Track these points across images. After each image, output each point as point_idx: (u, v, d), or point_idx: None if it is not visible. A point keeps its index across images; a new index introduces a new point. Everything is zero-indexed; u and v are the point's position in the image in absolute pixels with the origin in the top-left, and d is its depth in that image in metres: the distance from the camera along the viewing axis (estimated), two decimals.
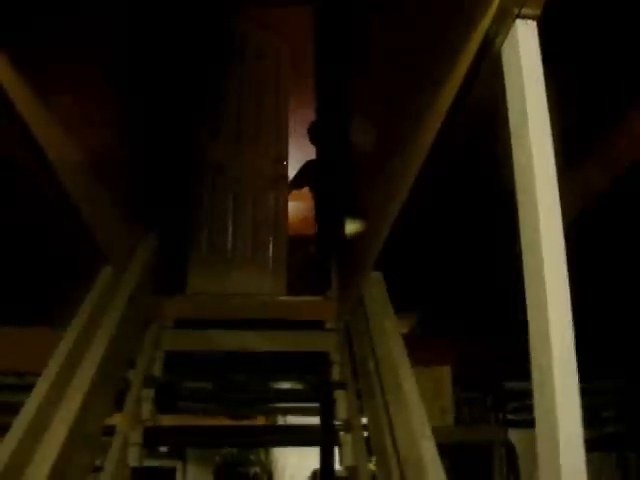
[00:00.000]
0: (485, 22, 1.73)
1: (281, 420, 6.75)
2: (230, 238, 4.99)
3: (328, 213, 4.30)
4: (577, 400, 1.40)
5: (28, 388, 2.58)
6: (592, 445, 1.43)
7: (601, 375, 5.30)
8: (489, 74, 1.82)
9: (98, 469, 2.90)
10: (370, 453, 3.12)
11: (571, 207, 1.57)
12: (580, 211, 2.87)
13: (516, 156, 1.63)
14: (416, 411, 2.38)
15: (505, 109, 1.68)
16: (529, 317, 1.54)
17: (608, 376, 5.50)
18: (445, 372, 4.13)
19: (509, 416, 5.51)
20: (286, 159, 5.27)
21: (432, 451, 2.19)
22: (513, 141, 1.65)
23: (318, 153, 5.12)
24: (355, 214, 3.85)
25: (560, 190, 1.54)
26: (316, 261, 4.49)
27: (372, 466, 3.11)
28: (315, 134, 5.18)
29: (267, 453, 7.82)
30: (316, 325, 4.08)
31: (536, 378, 1.49)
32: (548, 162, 1.54)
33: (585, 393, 1.42)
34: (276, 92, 5.48)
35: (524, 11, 1.63)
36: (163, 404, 3.65)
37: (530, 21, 1.65)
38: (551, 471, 1.38)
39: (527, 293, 1.55)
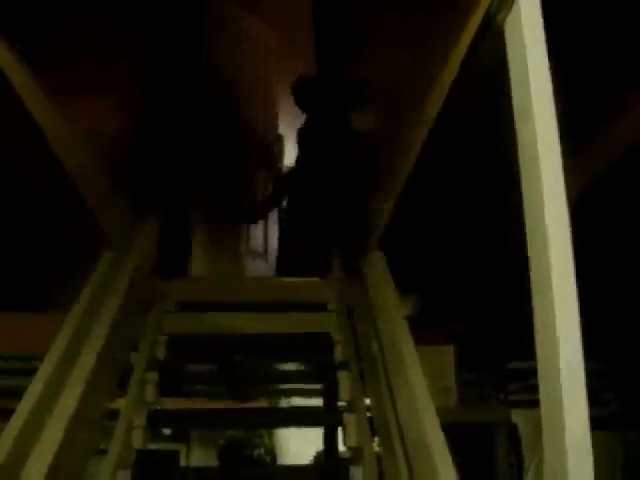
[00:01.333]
0: None
1: (284, 402, 6.76)
2: None
3: (328, 193, 4.26)
4: (582, 381, 1.39)
5: (32, 372, 2.58)
6: (594, 424, 1.42)
7: (602, 356, 5.32)
8: (492, 49, 1.81)
9: (103, 452, 2.90)
10: (374, 434, 3.12)
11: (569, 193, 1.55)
12: (577, 197, 2.86)
13: (520, 132, 1.62)
14: (419, 391, 2.38)
15: (508, 84, 1.66)
16: (534, 299, 1.53)
17: (609, 357, 5.52)
18: (448, 352, 4.13)
19: (511, 397, 5.52)
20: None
21: (436, 430, 2.19)
22: (516, 116, 1.64)
23: (307, 120, 4.76)
24: (357, 193, 3.84)
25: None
26: (318, 242, 4.47)
27: (376, 447, 3.11)
28: (304, 91, 4.70)
29: (271, 435, 7.83)
30: (319, 307, 4.07)
31: (541, 359, 1.48)
32: (552, 137, 1.52)
33: (588, 373, 1.41)
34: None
35: None
36: (167, 387, 3.65)
37: None
38: (556, 451, 1.37)
39: (532, 273, 1.54)
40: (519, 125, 1.62)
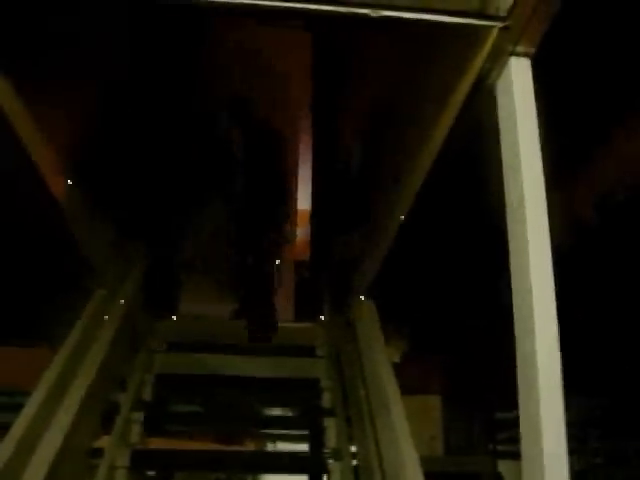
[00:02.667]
0: (480, 58, 1.77)
1: (270, 447, 6.70)
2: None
3: (323, 242, 4.30)
4: (563, 432, 1.41)
5: (18, 408, 2.58)
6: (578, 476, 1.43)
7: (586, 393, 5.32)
8: (483, 110, 1.85)
9: None
10: None
11: (559, 230, 1.59)
12: (567, 233, 2.91)
13: (508, 191, 1.66)
14: (404, 440, 2.38)
15: (498, 145, 1.71)
16: (517, 345, 1.56)
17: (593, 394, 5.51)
18: (435, 401, 4.13)
19: (499, 447, 5.50)
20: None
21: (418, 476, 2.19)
22: (505, 175, 1.68)
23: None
24: (349, 242, 3.87)
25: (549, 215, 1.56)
26: (308, 287, 4.49)
27: None
28: None
29: (256, 479, 7.75)
30: (307, 351, 4.08)
31: (522, 408, 1.50)
32: (539, 197, 1.56)
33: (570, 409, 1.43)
34: None
35: (518, 49, 1.66)
36: (152, 426, 3.63)
37: (524, 59, 1.68)
38: None
39: (515, 319, 1.56)
40: (507, 183, 1.66)
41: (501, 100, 1.72)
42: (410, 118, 2.54)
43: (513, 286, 1.59)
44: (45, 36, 2.39)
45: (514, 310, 1.59)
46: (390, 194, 2.89)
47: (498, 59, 1.70)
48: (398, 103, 2.70)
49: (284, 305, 4.76)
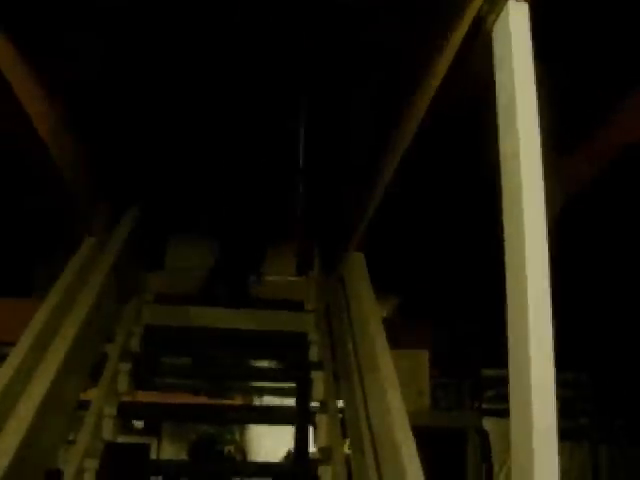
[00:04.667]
0: (477, 1, 1.72)
1: (258, 401, 6.75)
2: None
3: (310, 193, 4.26)
4: (552, 389, 1.39)
5: (2, 358, 2.56)
6: (564, 435, 1.42)
7: (574, 367, 5.35)
8: (480, 54, 1.81)
9: (72, 442, 2.88)
10: (345, 435, 3.12)
11: (557, 197, 1.56)
12: (566, 201, 2.88)
13: (503, 137, 1.62)
14: (392, 393, 2.37)
15: (495, 89, 1.67)
16: (508, 305, 1.53)
17: (581, 368, 5.55)
18: (423, 356, 4.13)
19: (485, 405, 5.54)
20: None
21: (406, 432, 2.18)
22: (500, 121, 1.64)
23: None
24: (339, 194, 3.83)
25: (546, 180, 1.52)
26: (298, 240, 4.47)
27: (346, 448, 3.11)
28: None
29: (243, 433, 7.84)
30: (296, 305, 4.08)
31: (513, 367, 1.48)
32: (534, 144, 1.52)
33: (559, 384, 1.41)
34: None
35: None
36: (140, 380, 3.63)
37: (522, 2, 1.63)
38: (524, 457, 1.37)
39: (507, 281, 1.53)
40: (502, 128, 1.62)
41: (497, 44, 1.67)
42: (404, 65, 2.49)
43: (505, 240, 1.55)
44: None
45: (506, 264, 1.56)
46: (383, 145, 2.85)
47: (496, 2, 1.65)
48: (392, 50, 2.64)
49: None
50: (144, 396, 4.10)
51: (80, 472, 2.74)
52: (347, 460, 2.98)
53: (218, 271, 4.24)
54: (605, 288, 4.35)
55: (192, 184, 4.18)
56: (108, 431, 3.12)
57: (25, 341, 2.61)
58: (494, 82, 1.69)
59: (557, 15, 2.00)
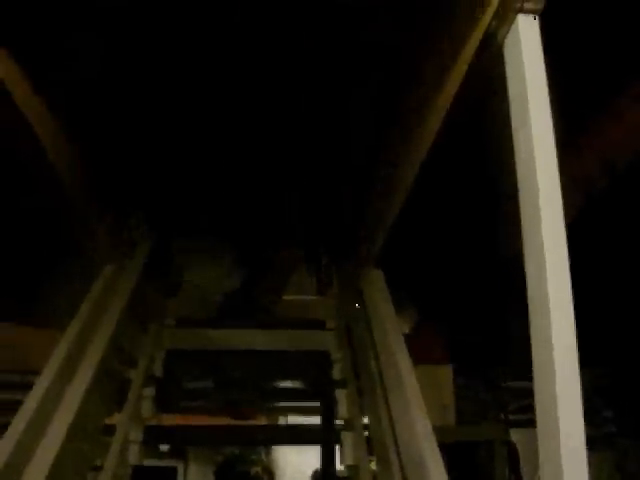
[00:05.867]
0: (487, 16, 1.72)
1: (282, 420, 6.74)
2: None
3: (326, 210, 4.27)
4: (579, 398, 1.38)
5: (28, 387, 2.57)
6: (591, 445, 1.41)
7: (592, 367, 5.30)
8: (491, 69, 1.82)
9: (98, 468, 2.89)
10: (371, 452, 3.11)
11: (569, 200, 1.55)
12: (575, 203, 2.88)
13: (518, 152, 1.62)
14: (417, 410, 2.37)
15: (507, 104, 1.67)
16: (530, 314, 1.52)
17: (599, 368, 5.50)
18: (446, 371, 4.12)
19: (511, 416, 5.50)
20: None
21: (434, 450, 2.17)
22: (515, 137, 1.64)
23: None
24: (356, 211, 3.84)
25: (563, 189, 1.53)
26: (317, 260, 4.48)
27: (373, 465, 3.10)
28: None
29: (268, 453, 7.82)
30: (317, 324, 4.08)
31: (537, 376, 1.47)
32: (550, 158, 1.53)
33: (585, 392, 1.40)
34: None
35: (526, 5, 1.62)
36: (164, 403, 3.64)
37: (532, 16, 1.64)
38: (553, 470, 1.37)
39: (529, 290, 1.53)
40: (516, 143, 1.63)
41: (509, 58, 1.68)
42: (418, 79, 2.49)
43: (525, 247, 1.55)
44: None
45: (526, 274, 1.56)
46: (398, 158, 2.85)
47: (505, 16, 1.66)
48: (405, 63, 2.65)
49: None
50: (169, 419, 4.11)
51: None
52: (374, 477, 2.97)
53: (238, 293, 4.25)
54: (623, 286, 4.31)
55: (207, 207, 4.19)
56: (134, 456, 3.14)
57: (50, 369, 2.63)
58: (507, 96, 1.69)
59: (564, 18, 2.01)
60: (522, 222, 1.58)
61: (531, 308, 1.52)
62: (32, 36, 2.39)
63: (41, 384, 2.54)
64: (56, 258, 4.03)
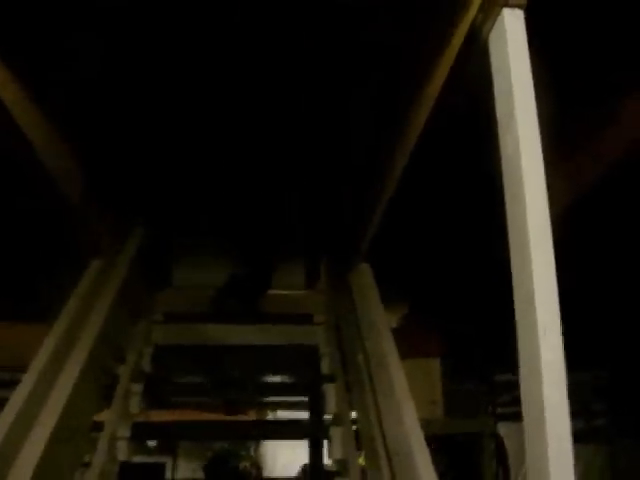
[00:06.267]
0: (472, 11, 1.73)
1: (271, 415, 6.74)
2: None
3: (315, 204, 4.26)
4: (564, 392, 1.39)
5: (15, 383, 2.56)
6: (583, 437, 1.41)
7: (589, 366, 5.32)
8: (476, 63, 1.82)
9: (87, 465, 2.88)
10: (359, 447, 3.11)
11: (560, 199, 1.56)
12: (570, 202, 2.88)
13: (503, 145, 1.62)
14: (405, 404, 2.38)
15: (493, 98, 1.67)
16: (516, 309, 1.53)
17: (596, 367, 5.52)
18: (434, 365, 4.12)
19: (499, 409, 5.52)
20: None
21: (421, 444, 2.18)
22: (500, 130, 1.64)
23: None
24: (343, 207, 3.84)
25: (549, 182, 1.53)
26: (307, 254, 4.47)
27: (361, 460, 3.10)
28: None
29: (257, 448, 7.82)
30: (305, 318, 4.07)
31: (523, 370, 1.48)
32: (535, 151, 1.53)
33: (574, 384, 1.41)
34: None
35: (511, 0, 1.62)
36: (153, 399, 3.64)
37: (517, 10, 1.64)
38: (539, 462, 1.37)
39: (514, 284, 1.53)
40: (502, 137, 1.63)
41: (494, 52, 1.68)
42: (403, 75, 2.49)
43: (510, 240, 1.56)
44: None
45: (512, 268, 1.56)
46: (384, 154, 2.85)
47: (491, 10, 1.66)
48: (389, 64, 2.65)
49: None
50: (158, 414, 4.10)
51: None
52: (362, 472, 2.97)
53: (229, 287, 4.24)
54: (619, 285, 4.33)
55: (195, 200, 4.18)
56: (123, 452, 3.13)
57: (37, 365, 2.62)
58: (492, 89, 1.69)
59: (557, 14, 2.01)
60: (507, 216, 1.58)
61: (516, 301, 1.52)
62: (27, 36, 2.38)
63: (28, 380, 2.53)
64: (48, 253, 4.01)
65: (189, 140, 3.49)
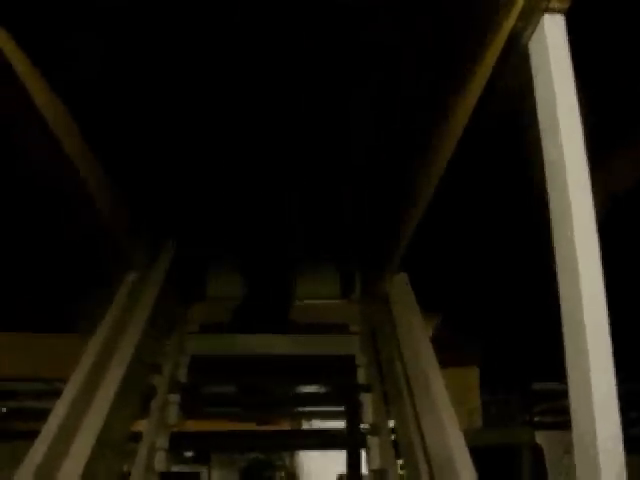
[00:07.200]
0: (512, 16, 1.72)
1: (306, 425, 6.72)
2: None
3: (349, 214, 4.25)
4: (615, 401, 1.37)
5: (56, 394, 2.58)
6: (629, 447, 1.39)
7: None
8: (517, 69, 1.81)
9: (126, 475, 2.89)
10: (398, 456, 3.10)
11: (599, 205, 1.54)
12: (607, 209, 2.84)
13: (546, 151, 1.61)
14: (445, 412, 2.36)
15: (534, 103, 1.66)
16: (563, 318, 1.50)
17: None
18: (473, 373, 4.08)
19: (536, 418, 5.46)
20: None
21: (464, 454, 2.16)
22: (543, 136, 1.63)
23: None
24: (379, 215, 3.82)
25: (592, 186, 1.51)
26: (341, 264, 4.46)
27: (400, 470, 3.08)
28: None
29: (292, 458, 7.80)
30: (340, 328, 4.07)
31: (573, 381, 1.45)
32: (580, 157, 1.51)
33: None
34: None
35: (552, 5, 1.61)
36: (188, 408, 3.64)
37: (558, 15, 1.63)
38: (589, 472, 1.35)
39: (561, 291, 1.52)
40: (546, 145, 1.61)
41: (535, 59, 1.67)
42: (442, 81, 2.48)
43: (556, 250, 1.54)
44: None
45: (558, 274, 1.54)
46: (422, 162, 2.84)
47: (531, 17, 1.65)
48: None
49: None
50: (192, 424, 4.11)
51: None
52: None
53: (252, 299, 4.25)
54: None
55: (224, 213, 4.19)
56: (161, 462, 3.14)
57: (77, 377, 2.64)
58: (532, 95, 1.68)
59: (594, 19, 1.99)
60: (552, 224, 1.56)
61: (564, 310, 1.50)
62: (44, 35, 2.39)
63: (69, 392, 2.54)
64: (83, 266, 4.04)
65: (213, 151, 3.51)
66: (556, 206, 1.55)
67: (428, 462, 2.51)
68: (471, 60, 2.12)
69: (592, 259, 1.44)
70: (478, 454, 2.17)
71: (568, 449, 4.83)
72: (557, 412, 4.34)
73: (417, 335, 2.84)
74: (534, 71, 1.67)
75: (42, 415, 2.44)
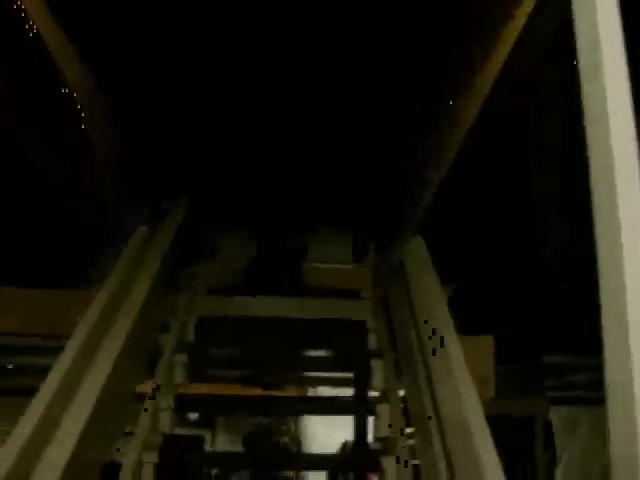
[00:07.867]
0: None
1: (312, 391, 6.67)
2: None
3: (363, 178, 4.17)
4: None
5: (53, 351, 2.50)
6: None
7: None
8: (554, 19, 1.69)
9: (129, 434, 2.83)
10: (408, 424, 3.02)
11: None
12: None
13: (587, 106, 1.47)
14: (462, 375, 2.29)
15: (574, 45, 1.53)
16: (601, 282, 1.38)
17: None
18: (487, 342, 3.96)
19: (547, 393, 5.38)
20: None
21: (481, 420, 2.08)
22: (584, 90, 1.49)
23: None
24: (394, 179, 3.73)
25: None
26: (352, 227, 4.39)
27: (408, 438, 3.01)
28: None
29: (297, 424, 7.79)
30: (351, 294, 3.99)
31: (609, 354, 1.34)
32: (624, 97, 1.38)
33: None
34: None
35: None
36: (194, 371, 3.58)
37: None
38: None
39: (598, 246, 1.39)
40: (587, 96, 1.48)
41: (578, 4, 1.54)
42: (467, 41, 2.37)
43: (597, 219, 1.40)
44: None
45: (598, 248, 1.41)
46: (443, 124, 2.74)
47: None
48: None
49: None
50: (196, 388, 4.06)
51: (139, 465, 2.69)
52: (411, 450, 2.88)
53: (262, 260, 4.19)
54: None
55: (238, 173, 4.13)
56: (166, 423, 3.08)
57: (81, 333, 2.56)
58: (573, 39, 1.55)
59: None
60: (594, 203, 1.42)
61: (602, 274, 1.38)
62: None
63: (71, 348, 2.47)
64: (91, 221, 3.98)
65: (227, 101, 3.44)
66: (595, 147, 1.41)
67: (441, 428, 2.43)
68: (500, 12, 2.01)
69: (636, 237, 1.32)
70: (492, 423, 2.10)
71: (574, 426, 4.76)
72: (569, 387, 4.24)
73: (433, 301, 2.75)
74: (576, 17, 1.55)
75: (45, 372, 2.37)
